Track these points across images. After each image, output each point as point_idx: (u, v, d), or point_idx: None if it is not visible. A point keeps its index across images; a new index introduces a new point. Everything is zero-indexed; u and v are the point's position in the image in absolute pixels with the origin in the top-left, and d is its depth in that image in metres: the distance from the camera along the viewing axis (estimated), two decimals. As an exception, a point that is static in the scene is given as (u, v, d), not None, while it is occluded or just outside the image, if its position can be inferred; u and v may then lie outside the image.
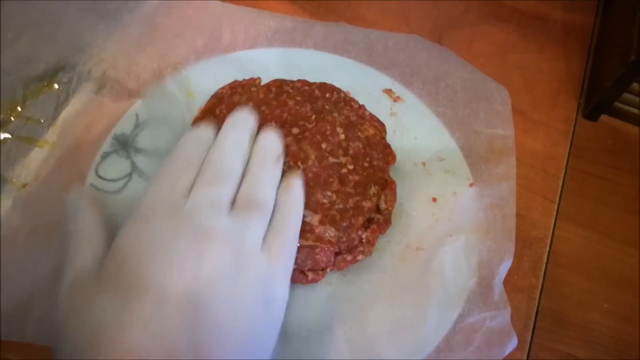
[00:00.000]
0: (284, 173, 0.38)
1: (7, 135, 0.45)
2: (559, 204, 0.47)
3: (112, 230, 0.33)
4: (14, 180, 0.43)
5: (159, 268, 0.28)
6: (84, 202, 0.35)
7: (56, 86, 0.48)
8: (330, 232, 0.39)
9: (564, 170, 0.49)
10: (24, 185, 0.43)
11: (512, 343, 0.38)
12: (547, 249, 0.45)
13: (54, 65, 0.48)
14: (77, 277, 0.30)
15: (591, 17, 0.58)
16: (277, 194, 0.35)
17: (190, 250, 0.29)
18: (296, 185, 0.36)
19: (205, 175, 0.33)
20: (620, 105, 0.51)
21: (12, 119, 0.46)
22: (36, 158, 0.44)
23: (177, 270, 0.28)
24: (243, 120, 0.37)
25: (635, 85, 0.48)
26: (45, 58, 0.48)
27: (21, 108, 0.46)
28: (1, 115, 0.45)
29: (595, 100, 0.50)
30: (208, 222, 0.30)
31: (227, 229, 0.30)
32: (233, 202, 0.33)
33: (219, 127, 0.37)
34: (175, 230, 0.30)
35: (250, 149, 0.36)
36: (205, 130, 0.37)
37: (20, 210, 0.41)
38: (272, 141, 0.37)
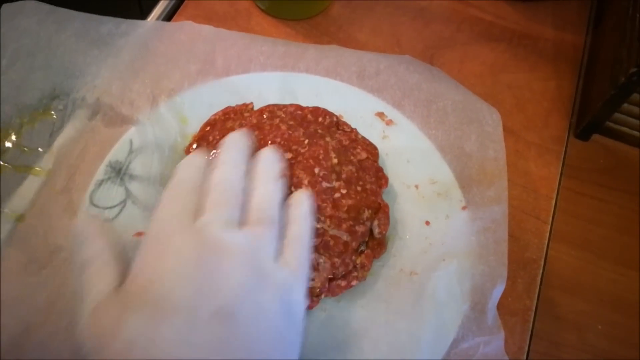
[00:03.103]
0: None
1: (3, 164, 0.45)
2: (551, 225, 0.47)
3: (123, 250, 0.34)
4: (8, 210, 0.43)
5: (184, 288, 0.29)
6: (91, 229, 0.35)
7: (52, 113, 0.48)
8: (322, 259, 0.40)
9: (556, 191, 0.49)
10: (21, 215, 0.43)
11: (506, 368, 0.38)
12: (541, 271, 0.45)
13: (50, 92, 0.49)
14: (99, 303, 0.31)
15: (582, 36, 0.59)
16: (287, 209, 0.36)
17: (211, 267, 0.30)
18: (306, 198, 0.37)
19: (213, 198, 0.33)
20: (611, 124, 0.51)
21: (9, 146, 0.46)
22: (31, 187, 0.44)
23: (202, 288, 0.29)
24: (239, 140, 0.38)
25: (625, 105, 0.48)
26: (40, 85, 0.49)
27: (17, 136, 0.46)
28: (-1, 144, 0.46)
29: (587, 121, 0.50)
30: (224, 238, 0.31)
31: (243, 244, 0.31)
32: (241, 220, 0.33)
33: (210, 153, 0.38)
34: (192, 248, 0.30)
35: (248, 169, 0.37)
36: (200, 156, 0.37)
37: (16, 241, 0.41)
38: (272, 158, 0.38)
